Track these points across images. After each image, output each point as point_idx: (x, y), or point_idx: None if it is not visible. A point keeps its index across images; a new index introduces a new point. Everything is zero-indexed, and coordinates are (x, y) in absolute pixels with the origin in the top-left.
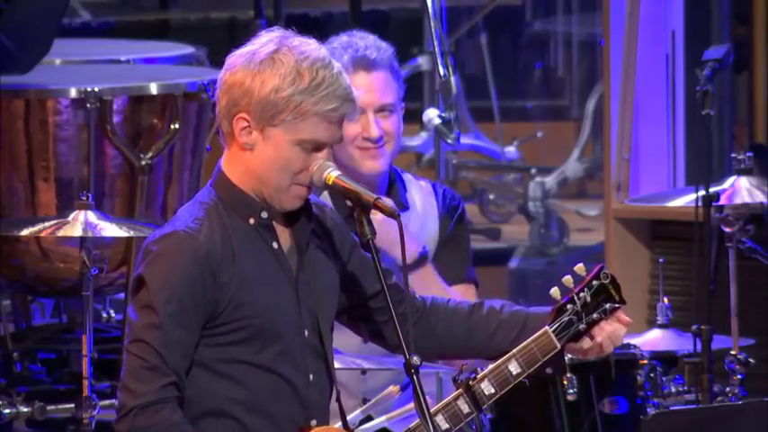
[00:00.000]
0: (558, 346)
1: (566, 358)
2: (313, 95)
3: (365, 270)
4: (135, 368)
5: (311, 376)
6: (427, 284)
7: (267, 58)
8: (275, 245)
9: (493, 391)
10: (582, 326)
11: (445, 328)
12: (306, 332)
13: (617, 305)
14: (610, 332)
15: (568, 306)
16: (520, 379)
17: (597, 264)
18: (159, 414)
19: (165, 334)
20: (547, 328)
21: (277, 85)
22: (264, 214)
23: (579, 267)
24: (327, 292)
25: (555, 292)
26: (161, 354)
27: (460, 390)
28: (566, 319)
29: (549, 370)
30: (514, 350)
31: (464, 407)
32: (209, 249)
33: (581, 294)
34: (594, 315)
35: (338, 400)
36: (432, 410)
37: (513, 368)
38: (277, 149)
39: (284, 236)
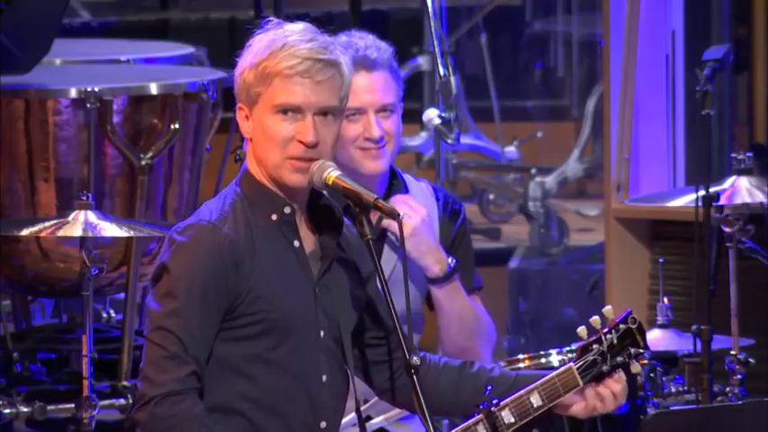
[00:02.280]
0: (581, 383)
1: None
2: (275, 58)
3: (378, 303)
4: (155, 357)
5: (324, 378)
6: (457, 298)
7: (250, 44)
8: (296, 243)
9: (513, 420)
10: (605, 367)
11: (435, 380)
12: (322, 333)
13: (641, 351)
14: (617, 390)
15: (594, 346)
16: (540, 411)
17: (626, 309)
18: (180, 405)
19: (186, 321)
20: (572, 364)
21: (249, 62)
22: (287, 209)
23: (608, 310)
24: (350, 302)
25: (582, 330)
26: (182, 341)
27: (481, 416)
28: (590, 358)
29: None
30: (538, 383)
31: None
32: (233, 241)
33: (608, 336)
34: (619, 358)
35: (357, 410)
36: None
37: (535, 400)
38: (262, 125)
39: (309, 239)
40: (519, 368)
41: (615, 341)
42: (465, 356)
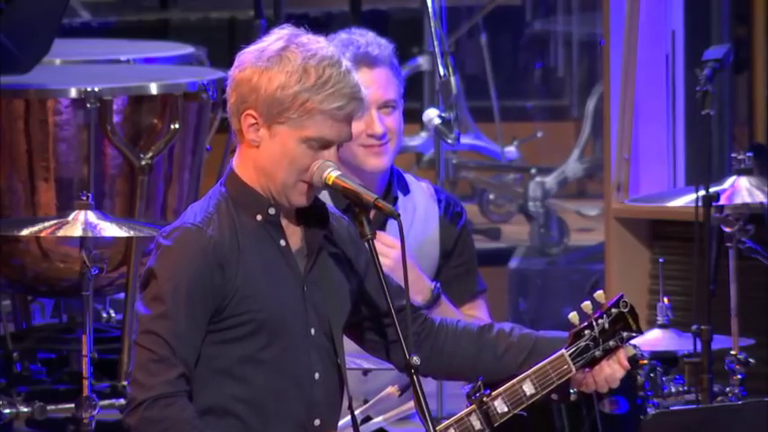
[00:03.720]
0: (574, 369)
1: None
2: (319, 93)
3: (380, 290)
4: (144, 361)
5: (317, 375)
6: None
7: (275, 55)
8: (282, 242)
9: (506, 409)
10: (598, 352)
11: (453, 347)
12: (312, 330)
13: (634, 334)
14: (608, 374)
15: (586, 331)
16: (533, 399)
17: (618, 293)
18: (170, 408)
19: (174, 324)
20: (564, 351)
21: (283, 83)
22: (272, 210)
23: (599, 294)
24: (339, 296)
25: (573, 316)
26: (170, 344)
27: (474, 406)
28: (582, 344)
29: (554, 396)
30: (530, 371)
31: (476, 423)
32: (218, 242)
33: (599, 321)
34: (611, 342)
35: (350, 407)
36: (444, 424)
37: (528, 388)
38: (284, 147)
39: (295, 237)
40: None
41: (607, 326)
42: None
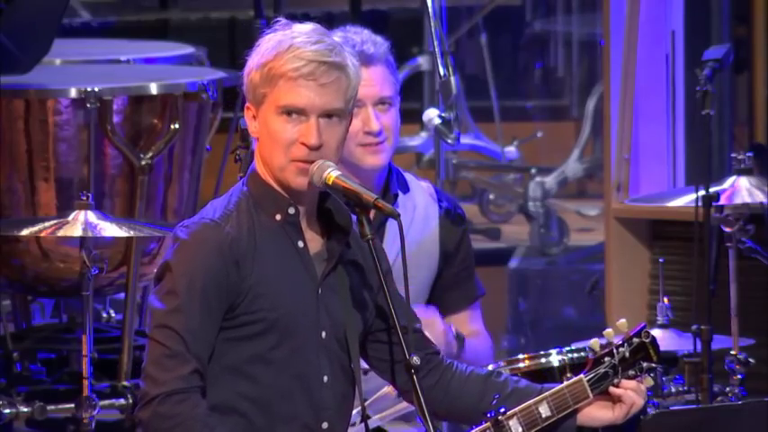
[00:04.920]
0: (591, 395)
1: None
2: (281, 60)
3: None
4: (158, 356)
5: (325, 378)
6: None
7: (259, 44)
8: (300, 243)
9: (520, 430)
10: (616, 380)
11: (459, 385)
12: (323, 334)
13: (654, 365)
14: (633, 397)
15: (606, 358)
16: (548, 422)
17: (640, 323)
18: (183, 404)
19: (189, 318)
20: (582, 376)
21: (256, 63)
22: (291, 210)
23: (621, 323)
24: (356, 303)
25: (594, 343)
26: (184, 338)
27: (488, 424)
28: (602, 371)
29: None
30: (547, 393)
31: None
32: (235, 239)
33: (620, 349)
34: (630, 372)
35: (363, 415)
36: None
37: (544, 411)
38: (267, 126)
39: (315, 241)
40: (519, 368)
41: (627, 355)
42: None
